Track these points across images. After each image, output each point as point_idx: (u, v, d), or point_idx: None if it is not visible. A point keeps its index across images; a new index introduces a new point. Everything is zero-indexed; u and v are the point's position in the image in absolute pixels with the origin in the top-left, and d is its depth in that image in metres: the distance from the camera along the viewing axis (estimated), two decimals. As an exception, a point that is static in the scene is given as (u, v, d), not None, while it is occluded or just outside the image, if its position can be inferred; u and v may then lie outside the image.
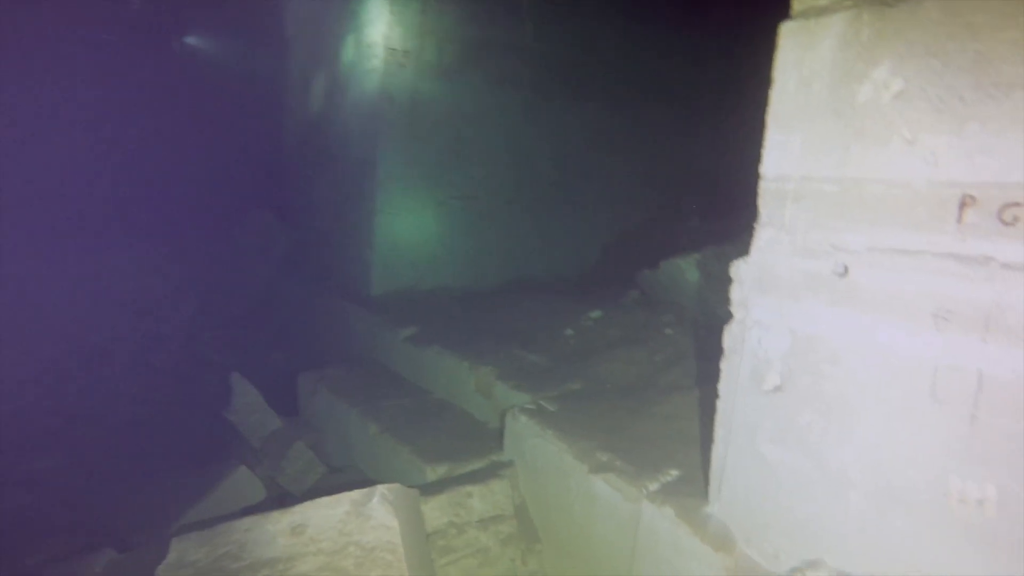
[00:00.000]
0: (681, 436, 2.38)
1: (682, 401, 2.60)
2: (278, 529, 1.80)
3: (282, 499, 3.08)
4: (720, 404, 1.89)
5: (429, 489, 2.30)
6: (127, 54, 7.38)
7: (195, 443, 3.96)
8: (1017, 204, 1.27)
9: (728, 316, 3.21)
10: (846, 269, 1.53)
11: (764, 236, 1.72)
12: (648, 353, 3.11)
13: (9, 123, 6.42)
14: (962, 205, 1.35)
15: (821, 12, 1.55)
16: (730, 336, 1.86)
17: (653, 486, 2.11)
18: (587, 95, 5.11)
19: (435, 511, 2.22)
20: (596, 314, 3.58)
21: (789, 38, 1.62)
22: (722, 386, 1.88)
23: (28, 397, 4.62)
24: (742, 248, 3.40)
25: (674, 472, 2.17)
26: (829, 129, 1.55)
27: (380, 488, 1.85)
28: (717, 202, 5.57)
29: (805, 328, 1.62)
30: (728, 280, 3.38)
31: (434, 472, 2.56)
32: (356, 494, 1.83)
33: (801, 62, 1.59)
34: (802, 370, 1.63)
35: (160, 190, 7.38)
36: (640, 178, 5.58)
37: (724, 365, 1.88)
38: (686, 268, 3.34)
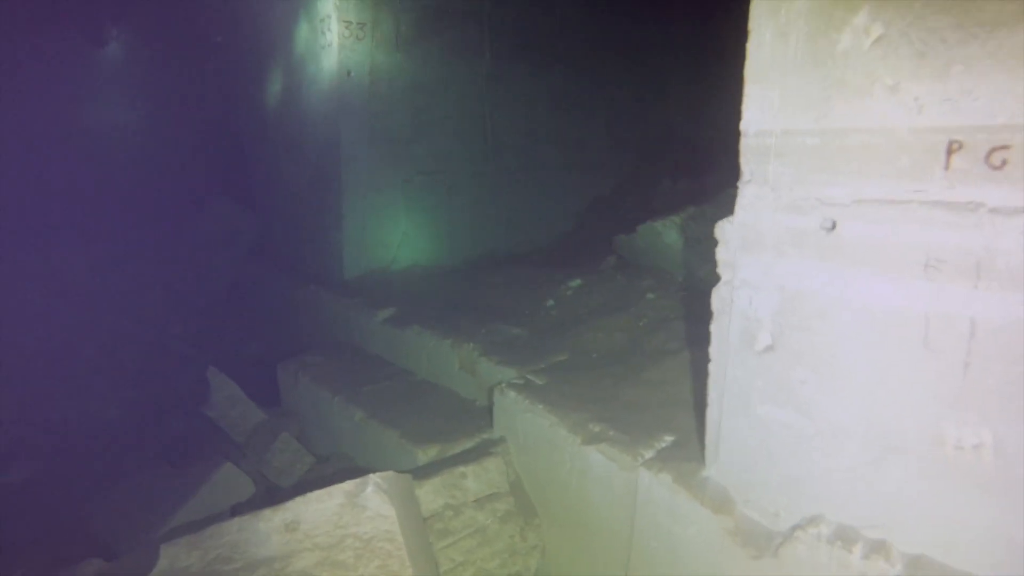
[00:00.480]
0: (673, 401, 2.37)
1: (671, 365, 2.59)
2: (271, 527, 1.76)
3: (271, 493, 3.02)
4: (712, 367, 1.88)
5: (422, 472, 2.27)
6: (74, 45, 7.03)
7: (175, 442, 3.87)
8: (1005, 147, 1.26)
9: (710, 277, 3.19)
10: (834, 224, 1.51)
11: (748, 194, 1.69)
12: (631, 319, 3.09)
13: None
14: (948, 151, 1.33)
15: (796, -41, 1.50)
16: (718, 298, 1.84)
17: (648, 453, 2.10)
18: (551, 60, 5.01)
19: (430, 494, 2.19)
20: (576, 283, 3.55)
21: (764, -13, 1.57)
22: (713, 349, 1.87)
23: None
24: (721, 208, 3.38)
25: (668, 438, 2.17)
26: (809, 81, 1.51)
27: (373, 477, 1.80)
28: (689, 162, 5.55)
29: (794, 285, 1.60)
30: (708, 240, 3.37)
31: (425, 455, 2.52)
32: (349, 485, 1.79)
33: (777, 12, 1.55)
34: (792, 327, 1.62)
35: (115, 183, 7.11)
36: (609, 142, 5.52)
37: (714, 327, 1.86)
38: (664, 231, 3.32)
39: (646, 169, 5.68)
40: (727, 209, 3.31)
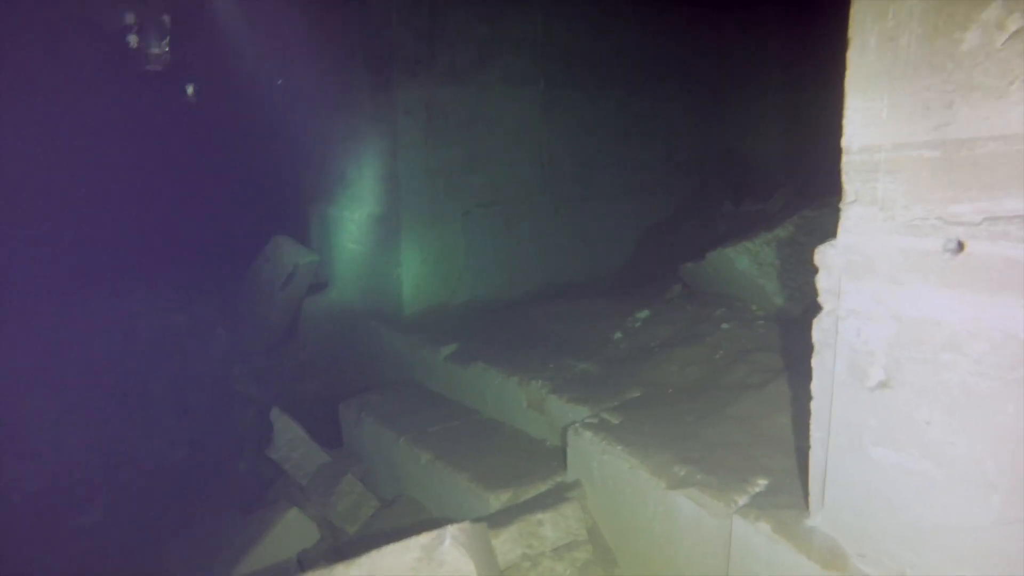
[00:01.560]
0: (763, 439, 2.19)
1: (756, 400, 2.41)
2: (344, 584, 1.65)
3: (336, 538, 2.94)
4: (814, 405, 1.71)
5: (497, 520, 2.14)
6: (134, 93, 7.35)
7: (240, 485, 3.85)
8: None
9: (789, 304, 2.99)
10: (960, 245, 1.34)
11: (853, 216, 1.53)
12: (707, 351, 2.92)
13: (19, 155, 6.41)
14: (1103, 157, 1.16)
15: (904, -45, 1.37)
16: (820, 329, 1.67)
17: (742, 499, 1.93)
18: (606, 84, 4.94)
19: (506, 544, 2.06)
20: (643, 314, 3.40)
21: (866, -11, 1.44)
22: (815, 385, 1.70)
23: (64, 449, 4.55)
24: (799, 232, 3.21)
25: (762, 481, 1.99)
26: (925, 87, 1.36)
27: (451, 529, 1.69)
28: (750, 184, 5.36)
29: (913, 314, 1.43)
30: (784, 266, 3.18)
31: (497, 500, 2.40)
32: (424, 538, 1.67)
33: (884, 15, 1.41)
34: (913, 361, 1.44)
35: (179, 225, 7.32)
36: (667, 166, 5.38)
37: (816, 361, 1.69)
38: (735, 257, 3.15)
39: (705, 192, 5.50)
40: (804, 232, 3.11)
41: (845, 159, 1.55)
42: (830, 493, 1.67)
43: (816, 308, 3.12)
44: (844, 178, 1.56)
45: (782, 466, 2.05)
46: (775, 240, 3.15)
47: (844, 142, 1.54)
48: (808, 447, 1.75)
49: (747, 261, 3.12)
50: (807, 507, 1.78)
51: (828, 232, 3.22)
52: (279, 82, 5.38)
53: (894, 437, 1.50)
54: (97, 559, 3.43)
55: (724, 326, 3.06)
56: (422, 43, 4.05)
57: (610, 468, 2.28)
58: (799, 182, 4.62)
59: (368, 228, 4.46)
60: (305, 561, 2.69)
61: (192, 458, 4.45)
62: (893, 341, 1.48)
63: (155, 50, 7.37)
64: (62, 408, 5.00)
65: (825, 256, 1.62)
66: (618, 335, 3.31)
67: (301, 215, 5.78)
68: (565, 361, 3.11)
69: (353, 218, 4.67)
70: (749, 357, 2.76)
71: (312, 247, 5.55)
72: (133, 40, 7.31)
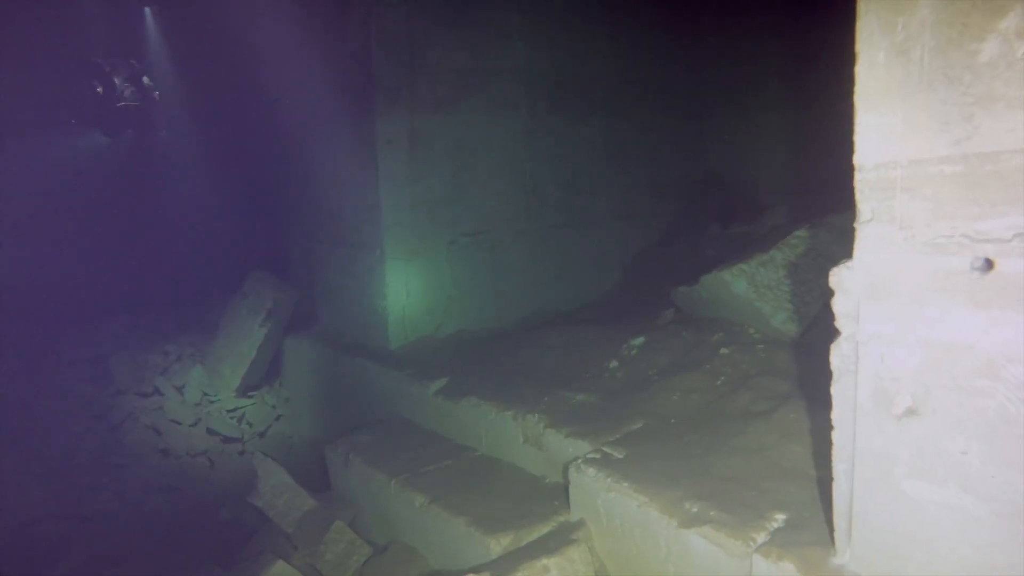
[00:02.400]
0: (777, 471, 2.10)
1: (764, 429, 2.32)
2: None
3: (326, 590, 2.77)
4: (836, 435, 1.62)
5: (500, 568, 2.01)
6: (111, 129, 7.22)
7: (221, 534, 3.65)
8: None
9: (787, 327, 2.92)
10: (989, 263, 1.27)
11: (870, 235, 1.47)
12: (707, 378, 2.84)
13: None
14: None
15: (915, -36, 1.32)
16: (839, 354, 1.59)
17: (760, 536, 1.83)
18: (588, 110, 4.91)
19: (511, 595, 1.92)
20: (639, 340, 3.31)
21: (874, 1, 1.39)
22: (836, 413, 1.61)
23: (31, 501, 4.31)
24: (793, 252, 3.16)
25: (780, 516, 1.89)
26: (941, 100, 1.30)
27: (453, 584, 1.56)
28: (736, 206, 5.35)
29: (941, 337, 1.36)
30: (779, 288, 3.12)
31: (498, 544, 2.26)
32: (426, 596, 1.54)
33: (893, 28, 1.36)
34: (944, 387, 1.37)
35: (150, 262, 7.14)
36: (652, 189, 5.36)
37: (836, 389, 1.61)
38: (732, 280, 3.08)
39: (691, 215, 5.48)
40: (798, 253, 3.06)
41: (859, 177, 1.48)
42: (858, 529, 1.57)
43: (816, 330, 3.06)
44: (858, 196, 1.49)
45: (799, 500, 1.95)
46: (771, 261, 3.10)
47: (857, 159, 1.48)
48: (831, 479, 1.66)
49: (744, 284, 3.06)
50: (832, 544, 1.68)
51: (823, 252, 3.17)
52: (258, 116, 5.29)
53: (928, 469, 1.41)
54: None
55: (723, 351, 2.98)
56: (403, 73, 3.99)
57: (617, 506, 2.17)
58: (788, 203, 4.60)
59: (351, 261, 4.34)
60: (293, 618, 2.52)
61: (169, 506, 4.24)
62: (921, 366, 1.40)
63: (129, 91, 7.26)
64: (26, 457, 4.76)
65: (841, 278, 1.55)
66: (614, 364, 3.22)
67: (281, 249, 5.65)
68: (561, 393, 3.00)
69: (335, 251, 4.55)
70: (752, 383, 2.68)
71: (293, 282, 5.41)
72: (99, 88, 7.21)
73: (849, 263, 1.54)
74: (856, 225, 1.51)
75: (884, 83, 1.39)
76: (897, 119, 1.39)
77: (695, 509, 1.99)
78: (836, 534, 1.65)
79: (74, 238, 6.94)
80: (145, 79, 7.23)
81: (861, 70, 1.43)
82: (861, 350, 1.52)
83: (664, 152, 5.45)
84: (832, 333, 2.94)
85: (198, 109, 6.60)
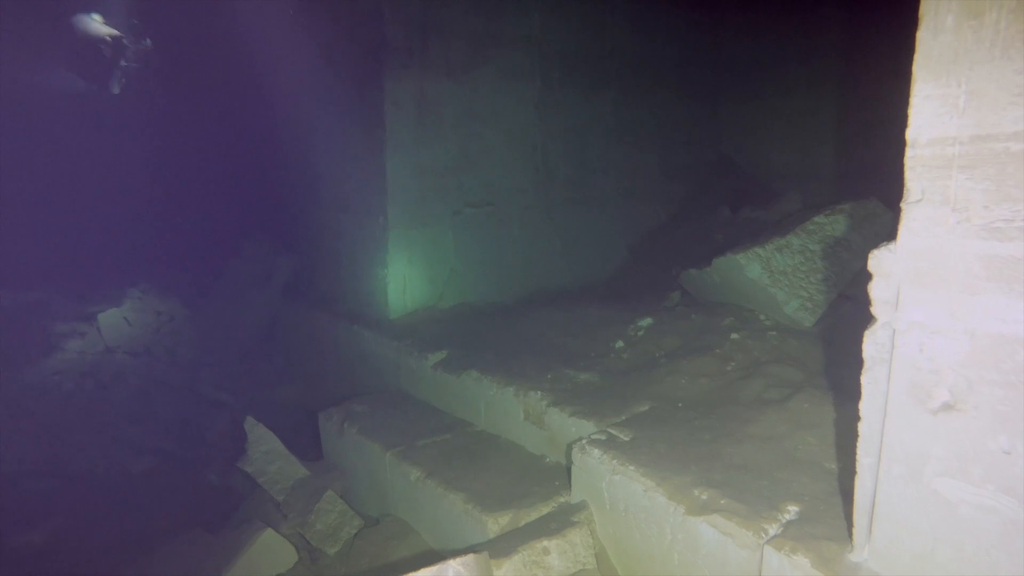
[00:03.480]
0: (790, 461, 2.02)
1: (777, 418, 2.24)
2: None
3: (314, 560, 2.70)
4: (863, 426, 1.54)
5: (499, 548, 1.93)
6: (107, 90, 7.02)
7: (209, 499, 3.58)
8: None
9: (800, 315, 2.82)
10: (1053, 250, 1.18)
11: (919, 216, 1.37)
12: (717, 362, 2.75)
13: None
14: None
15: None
16: (873, 343, 1.50)
17: (772, 528, 1.75)
18: (601, 85, 4.78)
19: (509, 575, 1.85)
20: (646, 322, 3.22)
21: (944, -40, 1.27)
22: (865, 404, 1.53)
23: (19, 457, 4.23)
24: (810, 239, 3.06)
25: (793, 508, 1.81)
26: (1016, 70, 1.20)
27: (453, 564, 1.48)
28: (747, 190, 5.24)
29: (992, 329, 1.27)
30: (795, 274, 3.03)
31: (496, 523, 2.19)
32: (427, 573, 1.46)
33: (964, -11, 1.25)
34: (990, 383, 1.28)
35: (146, 222, 6.99)
36: (662, 170, 5.24)
37: (866, 378, 1.52)
38: (746, 264, 2.98)
39: (700, 199, 5.37)
40: (816, 240, 2.95)
41: (910, 153, 1.38)
42: (880, 527, 1.49)
43: (830, 320, 2.98)
44: (908, 175, 1.39)
45: (813, 491, 1.87)
46: (787, 247, 3.00)
47: (910, 134, 1.37)
48: (849, 472, 1.59)
49: (758, 268, 2.96)
50: (849, 540, 1.61)
51: (841, 240, 3.07)
52: (260, 76, 5.12)
53: (964, 468, 1.33)
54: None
55: (734, 336, 2.90)
56: (414, 34, 3.84)
57: (622, 490, 2.09)
58: (802, 190, 4.50)
59: (352, 227, 4.23)
60: (281, 588, 2.46)
61: (158, 468, 4.16)
62: (965, 359, 1.31)
63: (131, 50, 7.05)
64: (12, 412, 4.67)
65: (881, 262, 1.45)
66: (620, 344, 3.13)
67: (280, 213, 5.52)
68: (564, 371, 2.91)
69: (336, 217, 4.44)
70: (764, 370, 2.60)
71: (291, 247, 5.30)
72: (107, 49, 6.99)
73: (891, 245, 1.44)
74: (903, 205, 1.40)
75: (950, 50, 1.28)
76: (960, 90, 1.28)
77: (704, 496, 1.91)
78: (855, 530, 1.57)
79: (70, 194, 6.79)
80: (147, 41, 7.02)
81: (924, 35, 1.32)
82: (898, 339, 1.43)
83: (676, 133, 5.33)
84: (848, 323, 2.86)
85: (197, 67, 6.40)
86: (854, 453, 1.58)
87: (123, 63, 6.91)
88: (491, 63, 4.16)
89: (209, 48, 6.15)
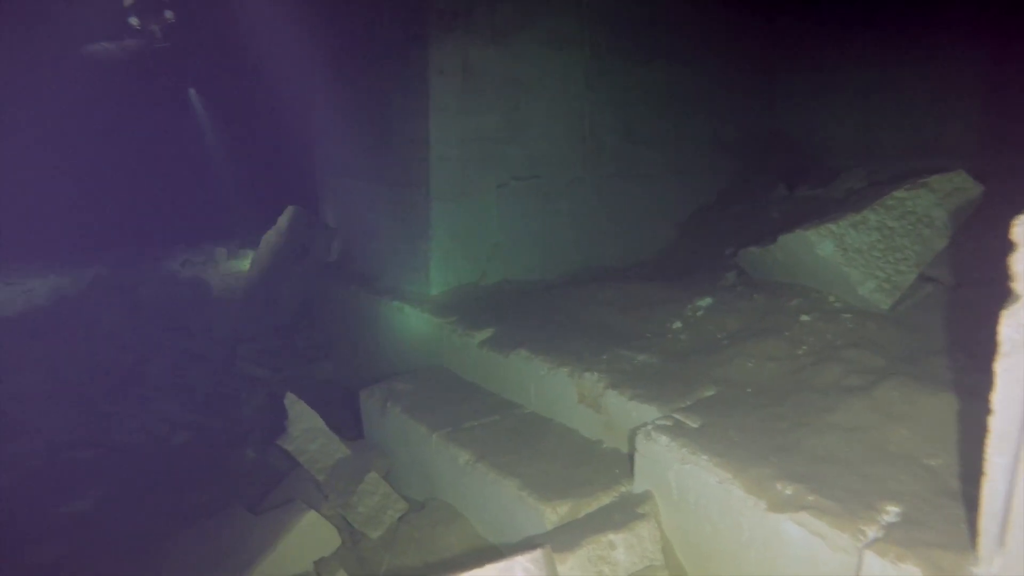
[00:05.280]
0: (881, 455, 1.83)
1: (862, 406, 2.05)
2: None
3: (356, 544, 2.60)
4: (996, 422, 1.34)
5: (562, 542, 1.79)
6: (143, 55, 6.98)
7: (247, 475, 3.51)
8: None
9: (876, 296, 2.59)
10: None
11: (1082, 176, 1.16)
12: (786, 346, 2.56)
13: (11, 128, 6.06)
14: None
15: None
16: (1014, 324, 1.30)
17: (871, 530, 1.57)
18: (650, 54, 4.53)
19: (574, 571, 1.72)
20: (705, 301, 3.03)
21: None
22: (1000, 395, 1.33)
23: (58, 428, 4.22)
24: (888, 215, 2.82)
25: (893, 508, 1.63)
26: None
27: (521, 562, 1.34)
28: (803, 167, 4.97)
29: None
30: (871, 252, 2.80)
31: (555, 512, 2.04)
32: (492, 571, 1.32)
33: None
34: None
35: (183, 192, 6.97)
36: (711, 146, 4.99)
37: (1003, 365, 1.32)
38: (817, 241, 2.76)
39: (753, 175, 5.11)
40: (895, 216, 2.71)
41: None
42: (1016, 536, 1.31)
43: (910, 302, 2.75)
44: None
45: (913, 490, 1.69)
46: (863, 223, 2.77)
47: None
48: (970, 472, 1.40)
49: (831, 246, 2.74)
50: (972, 548, 1.42)
51: (923, 217, 2.84)
52: (294, 40, 4.98)
53: None
54: (89, 550, 3.11)
55: (803, 318, 2.70)
56: (460, -6, 3.65)
57: (692, 480, 1.93)
58: (870, 167, 4.22)
59: (392, 200, 4.08)
60: (324, 572, 2.35)
61: (195, 442, 4.12)
62: None
63: (155, 25, 6.98)
64: (58, 382, 4.68)
65: (1028, 230, 1.25)
66: (677, 324, 2.95)
67: (315, 186, 5.41)
68: (620, 352, 2.74)
69: (375, 189, 4.30)
70: (840, 355, 2.40)
71: (327, 220, 5.20)
72: (135, 21, 6.93)
73: (1041, 211, 1.23)
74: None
75: None
76: None
77: (788, 491, 1.73)
78: (981, 538, 1.38)
79: (108, 167, 6.79)
80: (168, 13, 6.93)
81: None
82: (1046, 320, 1.23)
83: (728, 107, 5.06)
84: (931, 306, 2.63)
85: (229, 33, 6.29)
86: (970, 450, 1.40)
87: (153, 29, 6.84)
88: (537, 28, 3.95)
89: (244, 18, 6.03)
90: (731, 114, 5.10)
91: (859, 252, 2.77)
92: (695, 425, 2.10)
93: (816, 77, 5.09)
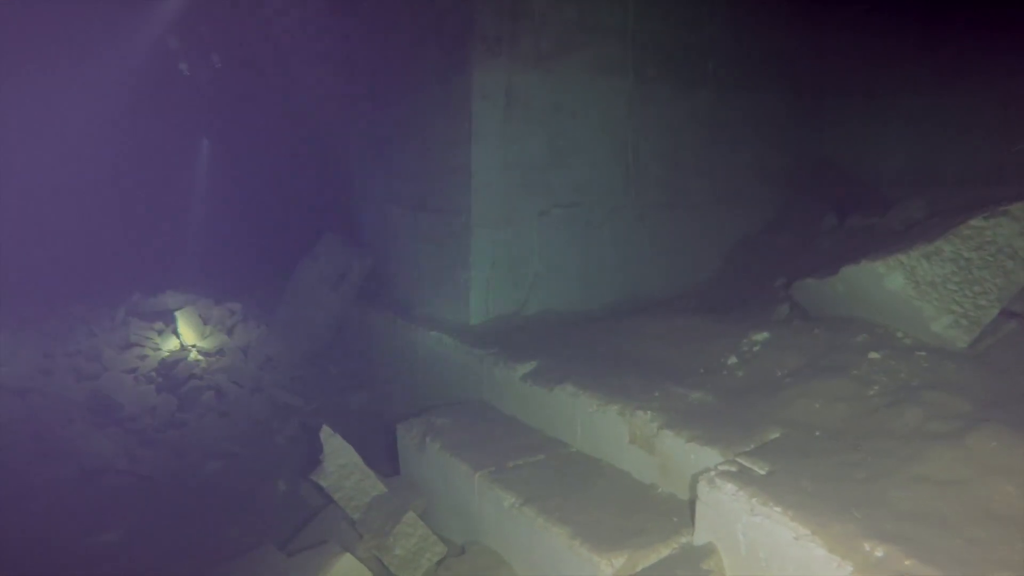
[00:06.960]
0: (985, 515, 1.64)
1: (952, 456, 1.86)
2: None
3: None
4: None
5: (622, 601, 1.63)
6: (171, 83, 7.09)
7: (278, 509, 3.40)
8: None
9: (952, 333, 2.40)
10: None
11: None
12: (855, 386, 2.38)
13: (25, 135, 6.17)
14: None
15: None
16: None
17: (982, 603, 1.38)
18: (695, 81, 4.43)
19: (637, 636, 1.54)
20: (761, 336, 2.86)
21: None
22: None
23: (98, 453, 4.16)
24: (964, 246, 2.64)
25: (1005, 577, 1.44)
26: None
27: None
28: (853, 197, 4.78)
29: None
30: (948, 285, 2.61)
31: (610, 565, 1.88)
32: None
33: None
34: None
35: (217, 220, 7.01)
36: (758, 174, 4.84)
37: None
38: (886, 273, 2.59)
39: (801, 204, 4.93)
40: (972, 247, 2.52)
41: None
42: None
43: (991, 340, 2.55)
44: None
45: (1027, 556, 1.50)
46: (936, 254, 2.59)
47: None
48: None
49: (901, 278, 2.56)
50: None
51: (1004, 247, 2.64)
52: (333, 65, 4.99)
53: None
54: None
55: (872, 355, 2.51)
56: (504, 21, 3.60)
57: (764, 535, 1.75)
58: (928, 196, 4.02)
59: (432, 226, 4.01)
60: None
61: (226, 471, 4.03)
62: None
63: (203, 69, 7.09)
64: (91, 408, 4.64)
65: None
66: (733, 360, 2.78)
67: (351, 213, 5.37)
68: (672, 389, 2.59)
69: (414, 216, 4.23)
70: (917, 396, 2.21)
71: (364, 247, 5.14)
72: (184, 68, 7.06)
73: None
74: None
75: None
76: None
77: (879, 553, 1.55)
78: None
79: (139, 196, 6.87)
80: (215, 58, 7.02)
81: None
82: None
83: (775, 135, 4.92)
84: (1015, 345, 2.42)
85: (267, 54, 6.34)
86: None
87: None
88: (582, 54, 3.88)
89: (286, 45, 6.10)
90: (778, 142, 4.96)
91: (932, 285, 2.59)
92: (762, 472, 1.93)
93: (866, 103, 4.93)
